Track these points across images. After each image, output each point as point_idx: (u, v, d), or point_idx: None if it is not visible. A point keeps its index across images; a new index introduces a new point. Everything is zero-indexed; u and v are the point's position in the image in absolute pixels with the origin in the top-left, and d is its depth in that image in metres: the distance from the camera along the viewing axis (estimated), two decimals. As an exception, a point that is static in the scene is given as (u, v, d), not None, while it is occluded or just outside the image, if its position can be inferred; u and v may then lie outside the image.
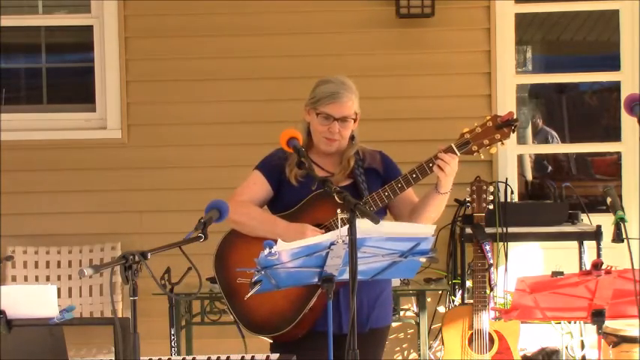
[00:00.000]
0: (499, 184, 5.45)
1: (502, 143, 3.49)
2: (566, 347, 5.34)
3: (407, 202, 3.59)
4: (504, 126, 3.46)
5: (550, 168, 8.22)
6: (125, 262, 2.54)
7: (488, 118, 3.50)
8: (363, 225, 2.79)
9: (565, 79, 7.33)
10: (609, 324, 4.47)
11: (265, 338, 3.57)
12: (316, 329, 3.45)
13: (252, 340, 3.59)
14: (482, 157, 3.55)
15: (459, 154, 3.45)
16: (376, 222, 2.95)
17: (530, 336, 5.36)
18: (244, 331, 3.56)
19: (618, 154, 6.19)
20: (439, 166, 3.41)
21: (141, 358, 2.61)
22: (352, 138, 3.61)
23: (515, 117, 3.49)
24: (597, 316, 3.45)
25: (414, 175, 3.45)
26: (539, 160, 8.18)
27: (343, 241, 2.81)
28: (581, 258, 5.24)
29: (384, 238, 2.92)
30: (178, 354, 4.79)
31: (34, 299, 2.72)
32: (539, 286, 3.45)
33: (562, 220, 5.33)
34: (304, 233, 3.36)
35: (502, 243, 5.25)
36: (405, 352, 5.72)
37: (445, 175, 3.42)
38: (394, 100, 5.65)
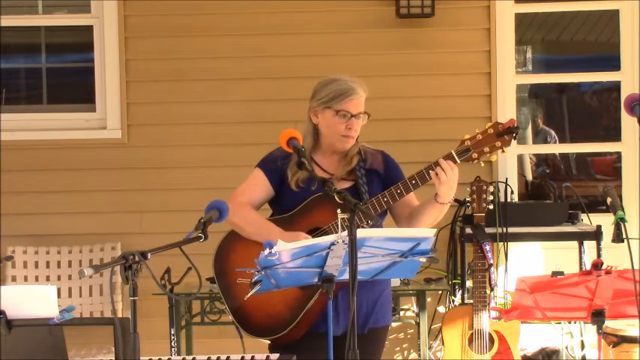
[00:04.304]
0: (499, 184, 5.45)
1: (503, 151, 3.48)
2: (566, 347, 5.34)
3: (406, 205, 3.58)
4: (505, 133, 3.45)
5: (547, 169, 8.22)
6: (125, 262, 2.54)
7: (489, 125, 3.49)
8: (362, 232, 2.79)
9: (565, 79, 7.33)
10: (609, 324, 4.47)
11: (264, 340, 3.57)
12: (314, 330, 3.45)
13: (251, 340, 3.59)
14: (482, 164, 3.54)
15: (458, 161, 3.44)
16: (376, 222, 2.95)
17: (530, 336, 5.36)
18: (242, 332, 3.56)
19: (618, 154, 6.19)
20: (436, 174, 3.40)
21: (141, 358, 2.60)
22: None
23: (516, 124, 3.47)
24: (597, 316, 3.45)
25: (414, 182, 3.45)
26: (538, 161, 8.19)
27: (343, 241, 2.81)
28: (581, 258, 5.25)
29: (384, 239, 2.92)
30: (178, 354, 4.80)
31: (34, 299, 2.72)
32: (539, 286, 3.46)
33: (562, 220, 5.33)
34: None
35: (502, 243, 5.25)
36: (405, 352, 5.73)
37: (441, 183, 3.40)
38: (394, 100, 5.65)
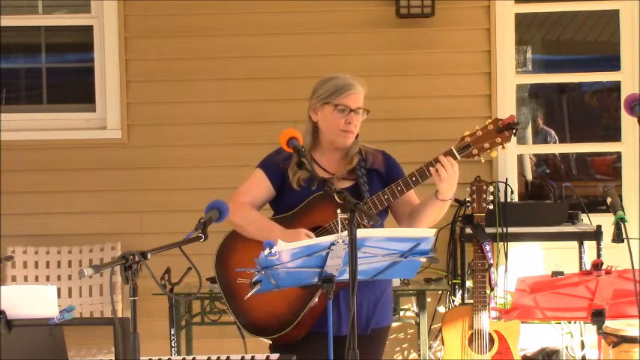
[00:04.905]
0: (499, 184, 5.45)
1: (503, 147, 3.48)
2: (566, 347, 5.34)
3: (407, 204, 3.58)
4: (505, 129, 3.46)
5: (547, 169, 8.23)
6: (125, 262, 2.54)
7: (489, 121, 3.49)
8: (362, 232, 2.79)
9: (565, 79, 7.33)
10: (609, 324, 4.47)
11: (264, 339, 3.57)
12: (315, 330, 3.45)
13: (252, 340, 3.59)
14: (483, 160, 3.55)
15: (458, 158, 3.44)
16: (376, 222, 2.96)
17: (530, 336, 5.36)
18: (243, 332, 3.56)
19: (618, 154, 6.19)
20: (436, 170, 3.40)
21: (141, 358, 2.60)
22: (356, 135, 3.62)
23: (516, 120, 3.48)
24: (597, 316, 3.46)
25: (414, 179, 3.45)
26: (538, 161, 8.19)
27: (343, 241, 2.81)
28: (581, 258, 5.25)
29: (384, 239, 2.92)
30: (178, 354, 4.80)
31: (34, 299, 2.72)
32: (539, 286, 3.46)
33: (562, 220, 5.33)
34: (298, 239, 3.35)
35: (502, 243, 5.26)
36: (405, 352, 5.72)
37: (441, 179, 3.40)
38: (394, 100, 5.65)
